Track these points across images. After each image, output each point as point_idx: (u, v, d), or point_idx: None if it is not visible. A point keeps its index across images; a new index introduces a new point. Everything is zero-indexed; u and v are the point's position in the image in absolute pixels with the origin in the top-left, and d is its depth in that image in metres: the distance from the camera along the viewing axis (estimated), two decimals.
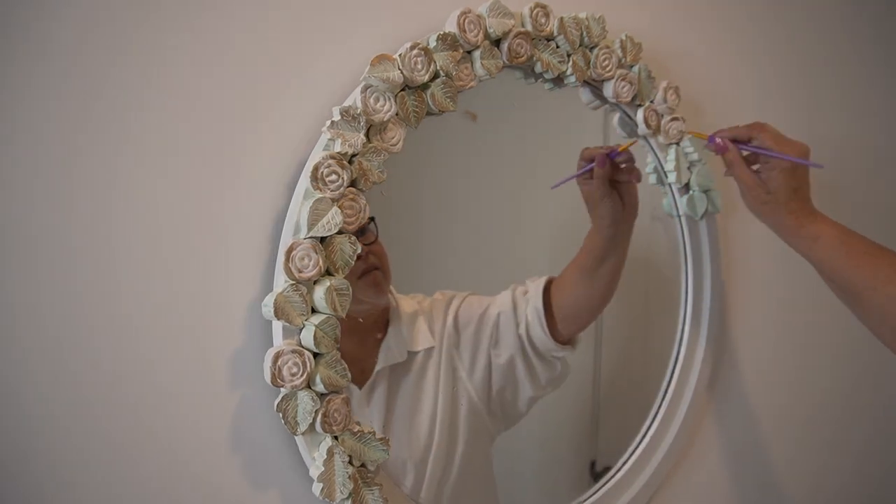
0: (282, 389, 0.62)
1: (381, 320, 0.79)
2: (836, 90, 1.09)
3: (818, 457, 1.09)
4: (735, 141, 0.82)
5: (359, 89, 0.64)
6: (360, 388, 0.76)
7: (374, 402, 0.76)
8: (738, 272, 0.98)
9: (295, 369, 0.62)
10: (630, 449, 0.88)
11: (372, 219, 0.73)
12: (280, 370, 0.61)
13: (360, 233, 0.71)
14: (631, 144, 0.84)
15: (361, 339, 0.77)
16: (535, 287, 0.85)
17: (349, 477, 0.64)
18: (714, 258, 0.91)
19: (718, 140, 0.82)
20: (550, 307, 0.84)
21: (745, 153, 0.82)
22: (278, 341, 0.63)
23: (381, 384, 0.77)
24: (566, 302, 0.85)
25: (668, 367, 0.90)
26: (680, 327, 0.90)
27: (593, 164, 0.83)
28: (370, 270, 0.74)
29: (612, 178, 0.84)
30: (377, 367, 0.77)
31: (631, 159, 0.85)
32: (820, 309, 1.07)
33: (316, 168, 0.62)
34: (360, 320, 0.76)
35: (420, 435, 0.78)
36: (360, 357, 0.77)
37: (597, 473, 0.90)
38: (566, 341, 0.86)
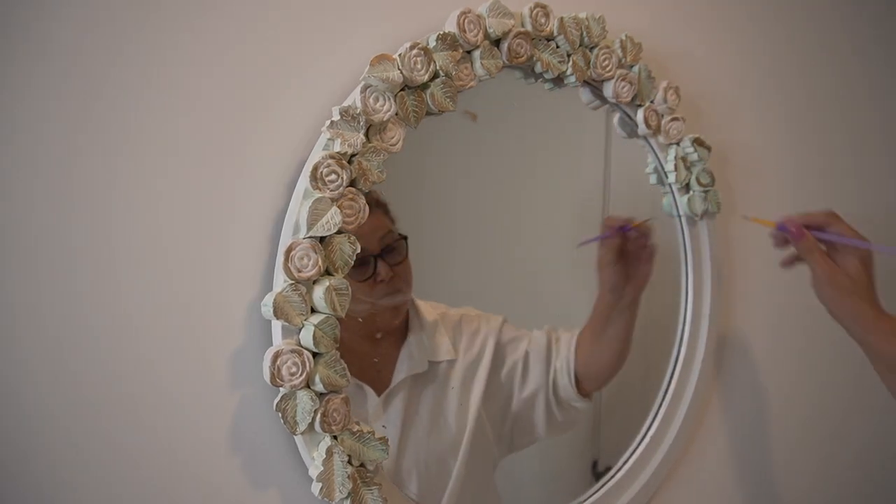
0: (281, 389, 0.62)
1: (402, 327, 0.78)
2: (836, 91, 1.09)
3: (818, 455, 1.09)
4: (807, 227, 0.79)
5: (358, 89, 0.64)
6: (378, 394, 0.75)
7: (391, 410, 0.76)
8: (739, 272, 0.98)
9: (294, 369, 0.62)
10: (631, 448, 0.88)
11: (404, 237, 0.73)
12: (279, 370, 0.61)
13: (389, 250, 0.72)
14: (644, 223, 0.85)
15: (378, 344, 0.77)
16: (568, 339, 0.87)
17: (348, 476, 0.64)
18: (714, 258, 0.91)
19: (792, 228, 0.79)
20: (577, 359, 0.86)
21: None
22: (277, 341, 0.63)
23: (401, 393, 0.76)
24: (585, 360, 0.86)
25: (669, 367, 0.90)
26: (680, 327, 0.90)
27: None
28: (392, 294, 0.74)
29: (623, 248, 0.86)
30: (399, 377, 0.77)
31: (645, 235, 0.87)
32: (820, 309, 1.07)
33: (315, 168, 0.62)
34: (378, 336, 0.76)
35: (438, 450, 0.78)
36: (379, 363, 0.76)
37: (598, 473, 0.89)
38: (587, 394, 0.88)
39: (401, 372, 0.77)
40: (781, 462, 1.05)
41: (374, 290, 0.73)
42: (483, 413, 0.80)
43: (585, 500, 0.82)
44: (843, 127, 1.10)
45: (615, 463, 0.87)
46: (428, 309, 0.80)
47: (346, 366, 0.64)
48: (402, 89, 0.67)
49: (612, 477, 0.86)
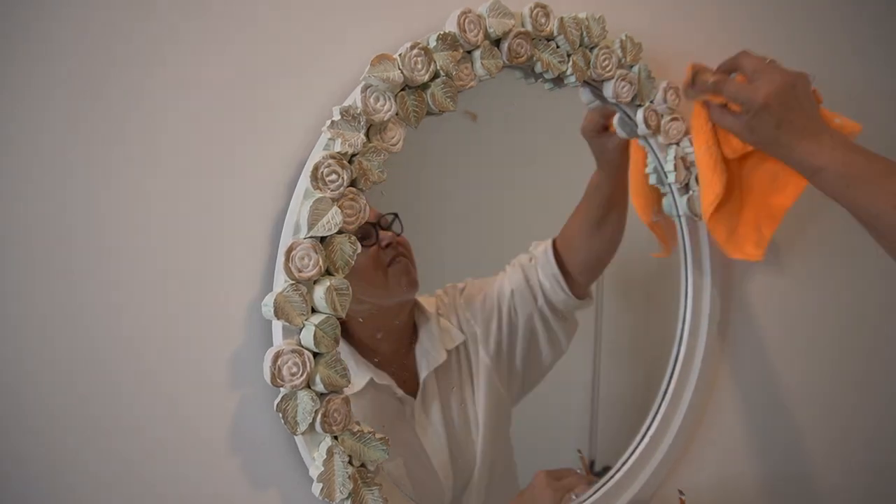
0: (281, 389, 0.62)
1: (410, 323, 0.80)
2: (836, 90, 1.09)
3: (819, 455, 1.09)
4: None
5: (359, 89, 0.64)
6: (413, 397, 0.77)
7: (432, 413, 0.78)
8: (738, 272, 0.98)
9: (295, 369, 0.62)
10: (630, 449, 0.88)
11: (396, 215, 0.75)
12: (280, 370, 0.61)
13: (385, 224, 0.74)
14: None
15: (396, 344, 0.78)
16: (544, 252, 0.86)
17: (349, 477, 0.64)
18: (714, 258, 0.91)
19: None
20: (564, 265, 0.86)
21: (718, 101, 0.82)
22: (278, 341, 0.63)
23: (432, 390, 0.78)
24: (581, 257, 0.86)
25: (668, 367, 0.90)
26: (680, 327, 0.90)
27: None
28: (397, 257, 0.75)
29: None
30: (423, 375, 0.78)
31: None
32: (822, 309, 1.07)
33: (316, 168, 0.62)
34: (397, 322, 0.77)
35: (467, 433, 0.80)
36: (401, 365, 0.78)
37: (596, 473, 0.89)
38: (583, 296, 0.88)
39: (424, 369, 0.78)
40: (781, 462, 1.05)
41: (379, 256, 0.74)
42: (492, 367, 0.82)
43: (584, 502, 0.82)
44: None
45: (613, 463, 0.87)
46: (424, 300, 0.82)
47: (346, 366, 0.64)
48: (403, 89, 0.67)
49: (612, 477, 0.86)
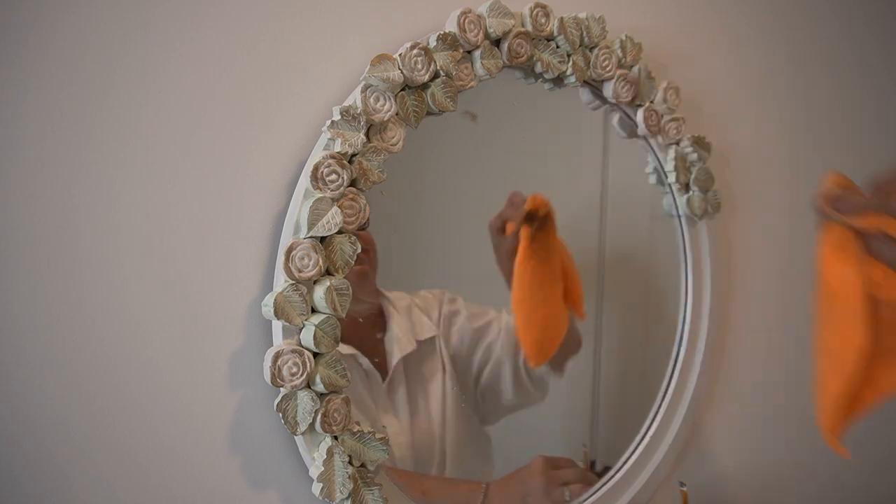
0: (281, 389, 0.62)
1: (380, 319, 0.80)
2: (835, 91, 1.09)
3: (818, 453, 1.09)
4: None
5: (359, 89, 0.64)
6: (382, 378, 0.78)
7: (398, 398, 0.79)
8: (739, 272, 0.98)
9: (295, 369, 0.62)
10: (630, 449, 0.88)
11: None
12: (280, 370, 0.61)
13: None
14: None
15: (362, 339, 0.77)
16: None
17: (349, 477, 0.64)
18: (714, 258, 0.91)
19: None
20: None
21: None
22: (278, 341, 0.63)
23: (400, 377, 0.79)
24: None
25: (669, 368, 0.90)
26: (680, 327, 0.91)
27: None
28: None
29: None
30: (394, 360, 0.79)
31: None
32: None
33: (316, 168, 0.62)
34: (360, 320, 0.76)
35: (429, 421, 0.80)
36: (373, 350, 0.78)
37: (597, 473, 0.89)
38: (557, 370, 0.89)
39: (395, 356, 0.79)
40: (781, 462, 1.05)
41: None
42: (458, 383, 0.83)
43: (584, 501, 0.82)
44: (842, 126, 1.10)
45: (614, 463, 0.87)
46: (396, 295, 0.82)
47: (346, 366, 0.64)
48: (403, 89, 0.67)
49: (612, 477, 0.86)
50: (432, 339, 0.82)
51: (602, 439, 0.94)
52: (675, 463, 0.90)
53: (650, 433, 0.88)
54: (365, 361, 0.77)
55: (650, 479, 0.87)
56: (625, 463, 0.87)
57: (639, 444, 0.88)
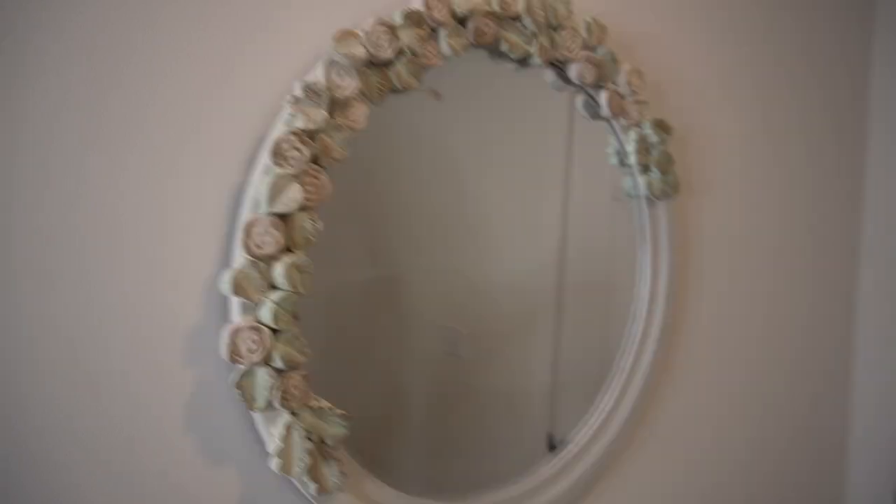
0: (239, 366, 0.62)
1: None
2: (800, 76, 1.11)
3: (777, 428, 1.13)
4: None
5: (322, 64, 0.64)
6: None
7: None
8: (695, 251, 1.00)
9: (253, 346, 0.61)
10: (587, 422, 0.90)
11: None
12: (237, 346, 0.61)
13: None
14: None
15: None
16: None
17: (307, 452, 0.64)
18: (672, 238, 0.93)
19: None
20: None
21: None
22: (236, 318, 0.63)
23: None
24: None
25: (625, 344, 0.92)
26: (637, 305, 0.93)
27: None
28: None
29: None
30: None
31: None
32: (776, 287, 1.10)
33: (277, 143, 0.61)
34: None
35: None
36: None
37: (553, 446, 0.91)
38: None
39: None
40: (732, 437, 1.08)
41: None
42: None
43: (541, 472, 0.84)
44: (803, 113, 1.12)
45: (571, 436, 0.89)
46: None
47: (305, 342, 0.64)
48: (367, 66, 0.66)
49: (568, 450, 0.88)
50: None
51: (560, 413, 0.96)
52: (630, 436, 0.93)
53: (607, 407, 0.90)
54: None
55: (606, 451, 0.90)
56: (580, 437, 0.89)
57: (595, 417, 0.90)
